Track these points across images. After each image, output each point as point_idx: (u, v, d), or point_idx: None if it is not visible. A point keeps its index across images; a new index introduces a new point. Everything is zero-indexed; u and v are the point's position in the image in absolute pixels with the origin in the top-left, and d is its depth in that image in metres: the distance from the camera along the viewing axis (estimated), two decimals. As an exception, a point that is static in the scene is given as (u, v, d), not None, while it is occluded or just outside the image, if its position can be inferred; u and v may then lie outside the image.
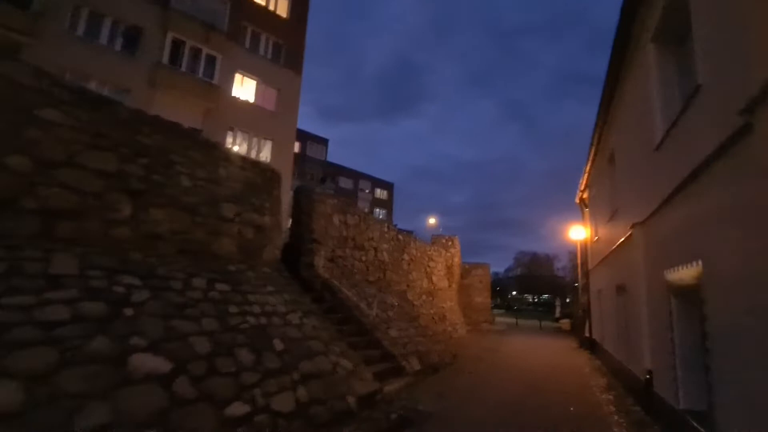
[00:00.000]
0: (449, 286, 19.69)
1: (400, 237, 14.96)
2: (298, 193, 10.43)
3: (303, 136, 41.27)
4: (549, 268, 69.92)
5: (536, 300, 75.76)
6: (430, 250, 17.57)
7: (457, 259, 20.85)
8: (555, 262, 69.21)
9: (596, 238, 13.73)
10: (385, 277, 12.87)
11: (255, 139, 20.84)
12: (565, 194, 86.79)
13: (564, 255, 65.05)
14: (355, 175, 47.82)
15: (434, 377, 8.92)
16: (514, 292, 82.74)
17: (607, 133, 10.32)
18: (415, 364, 8.68)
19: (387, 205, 51.01)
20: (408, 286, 14.58)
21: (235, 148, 19.76)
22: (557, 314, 37.99)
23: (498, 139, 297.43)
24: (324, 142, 42.63)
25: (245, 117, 20.31)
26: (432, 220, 43.79)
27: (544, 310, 54.48)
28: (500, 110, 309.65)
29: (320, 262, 9.52)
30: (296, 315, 7.01)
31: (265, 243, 8.15)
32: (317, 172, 41.55)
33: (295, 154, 42.63)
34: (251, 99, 20.88)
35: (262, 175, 8.60)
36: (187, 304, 5.34)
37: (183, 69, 18.15)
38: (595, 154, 12.01)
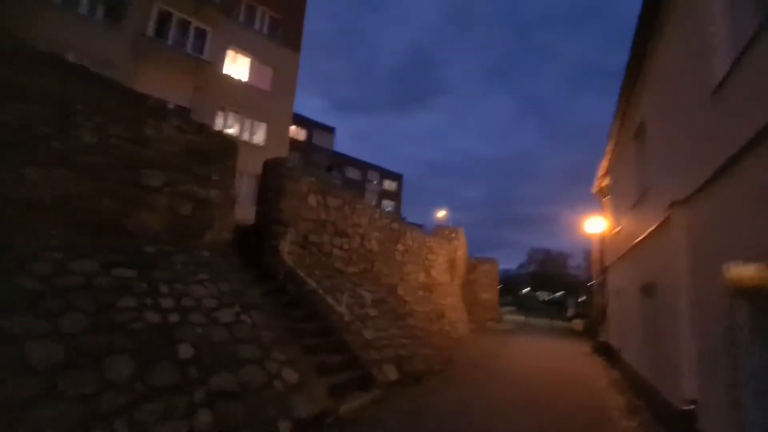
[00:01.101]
0: (451, 281, 17.96)
1: (395, 225, 13.30)
2: (266, 168, 8.87)
3: (309, 125, 39.84)
4: (562, 266, 67.33)
5: (549, 298, 73.27)
6: (430, 242, 15.85)
7: (460, 252, 19.08)
8: (569, 260, 66.87)
9: (617, 230, 11.81)
10: (372, 269, 11.25)
11: (248, 121, 19.40)
12: (581, 190, 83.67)
13: (578, 253, 62.47)
14: (363, 166, 46.13)
15: (415, 389, 7.28)
16: (526, 289, 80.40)
17: (636, 97, 8.41)
18: (390, 373, 7.06)
19: (396, 197, 49.25)
20: (401, 279, 12.94)
21: (227, 130, 18.39)
22: (569, 314, 35.86)
23: (514, 134, 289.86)
24: (331, 130, 41.06)
25: (238, 96, 18.86)
26: (441, 213, 41.99)
27: (556, 309, 52.16)
28: (517, 105, 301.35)
29: (287, 247, 7.95)
30: (230, 311, 5.44)
31: (208, 221, 6.60)
32: (323, 162, 40.08)
33: (301, 143, 41.28)
34: (245, 78, 19.40)
35: (211, 142, 7.04)
36: (45, 293, 3.82)
37: (170, 43, 16.77)
38: (620, 129, 10.08)
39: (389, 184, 48.96)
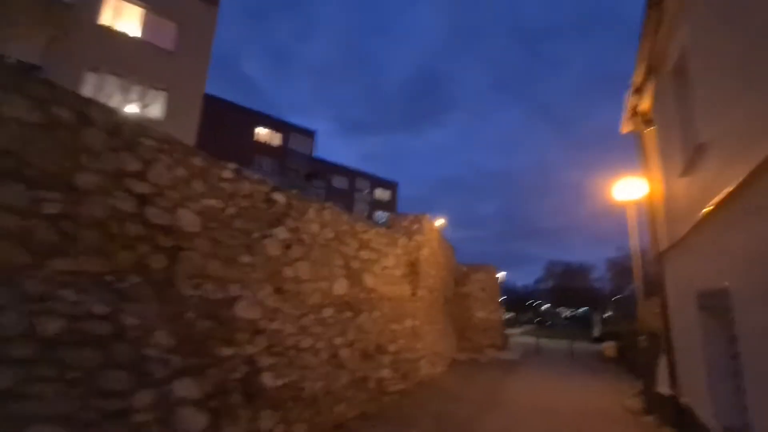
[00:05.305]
0: (413, 293, 11.59)
1: (276, 197, 7.25)
2: None
3: (285, 127, 34.77)
4: (584, 279, 59.56)
5: (571, 314, 64.81)
6: (364, 232, 9.66)
7: (426, 252, 12.73)
8: (591, 272, 59.40)
9: (683, 170, 5.45)
10: (172, 267, 5.22)
11: (138, 87, 14.03)
12: (599, 199, 75.53)
13: (600, 265, 55.07)
14: (351, 174, 40.45)
15: None
16: (546, 305, 72.23)
17: None
18: None
19: (390, 206, 43.15)
20: (278, 290, 6.78)
21: (102, 99, 13.05)
22: (595, 333, 28.36)
23: (527, 145, 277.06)
24: (310, 134, 35.80)
25: (122, 55, 13.56)
26: (439, 222, 35.67)
27: (580, 326, 44.01)
28: (529, 116, 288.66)
29: None
30: None
31: None
32: (302, 168, 34.70)
33: (276, 148, 36.08)
34: (135, 32, 14.23)
35: None
36: None
37: (6, -24, 11.74)
38: None
39: (381, 193, 42.99)
